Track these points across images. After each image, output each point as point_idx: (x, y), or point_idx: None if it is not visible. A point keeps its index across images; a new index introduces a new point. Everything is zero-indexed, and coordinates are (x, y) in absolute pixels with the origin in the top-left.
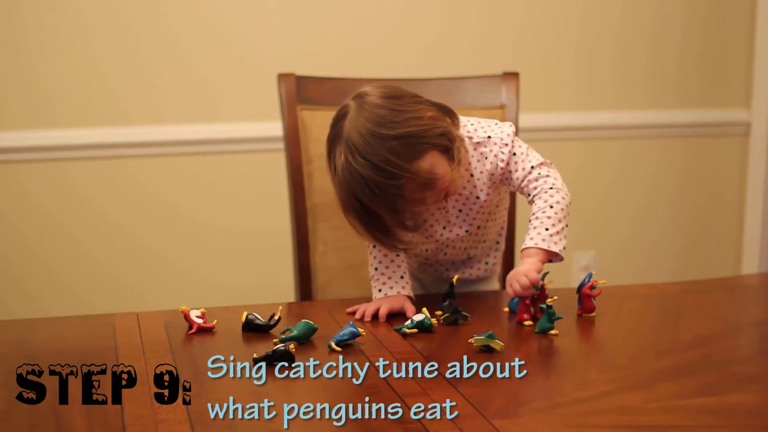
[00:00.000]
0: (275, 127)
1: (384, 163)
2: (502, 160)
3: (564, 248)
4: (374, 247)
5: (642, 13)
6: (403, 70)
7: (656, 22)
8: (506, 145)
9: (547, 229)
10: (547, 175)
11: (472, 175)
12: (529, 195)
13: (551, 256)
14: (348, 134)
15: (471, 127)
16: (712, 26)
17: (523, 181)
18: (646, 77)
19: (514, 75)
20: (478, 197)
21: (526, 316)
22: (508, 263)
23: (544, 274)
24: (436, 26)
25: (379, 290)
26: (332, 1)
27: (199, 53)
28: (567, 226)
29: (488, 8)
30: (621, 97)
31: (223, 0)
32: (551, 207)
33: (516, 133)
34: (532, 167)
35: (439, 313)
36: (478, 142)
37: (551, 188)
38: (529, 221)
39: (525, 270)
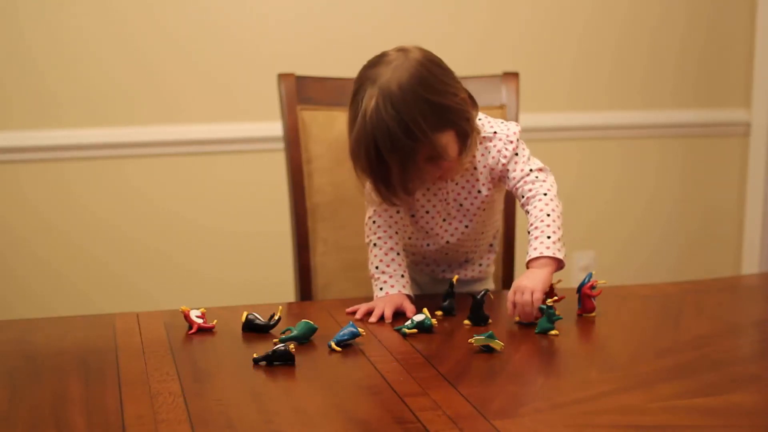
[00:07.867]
0: (275, 127)
1: (411, 122)
2: (505, 156)
3: (564, 256)
4: (375, 245)
5: (642, 14)
6: None
7: (656, 23)
8: (511, 142)
9: (549, 237)
10: (543, 181)
11: (475, 168)
12: (523, 196)
13: (559, 264)
14: (387, 82)
15: (479, 121)
16: (712, 26)
17: (519, 181)
18: (646, 77)
19: (514, 75)
20: (479, 191)
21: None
22: (508, 265)
23: None
24: (436, 26)
25: (381, 288)
26: (333, 1)
27: (199, 53)
28: (563, 234)
29: (488, 9)
30: (621, 98)
31: (223, 0)
32: (548, 215)
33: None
34: (531, 170)
35: (439, 313)
36: (484, 137)
37: (546, 194)
38: (528, 231)
39: (533, 286)
